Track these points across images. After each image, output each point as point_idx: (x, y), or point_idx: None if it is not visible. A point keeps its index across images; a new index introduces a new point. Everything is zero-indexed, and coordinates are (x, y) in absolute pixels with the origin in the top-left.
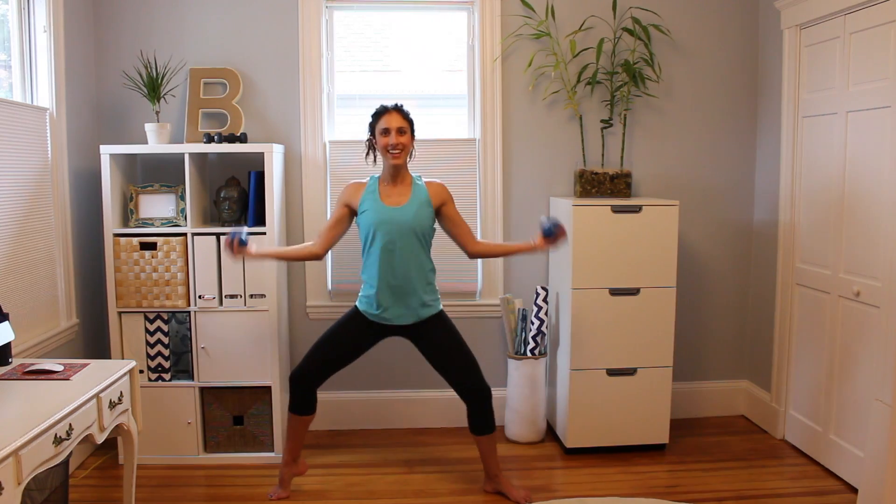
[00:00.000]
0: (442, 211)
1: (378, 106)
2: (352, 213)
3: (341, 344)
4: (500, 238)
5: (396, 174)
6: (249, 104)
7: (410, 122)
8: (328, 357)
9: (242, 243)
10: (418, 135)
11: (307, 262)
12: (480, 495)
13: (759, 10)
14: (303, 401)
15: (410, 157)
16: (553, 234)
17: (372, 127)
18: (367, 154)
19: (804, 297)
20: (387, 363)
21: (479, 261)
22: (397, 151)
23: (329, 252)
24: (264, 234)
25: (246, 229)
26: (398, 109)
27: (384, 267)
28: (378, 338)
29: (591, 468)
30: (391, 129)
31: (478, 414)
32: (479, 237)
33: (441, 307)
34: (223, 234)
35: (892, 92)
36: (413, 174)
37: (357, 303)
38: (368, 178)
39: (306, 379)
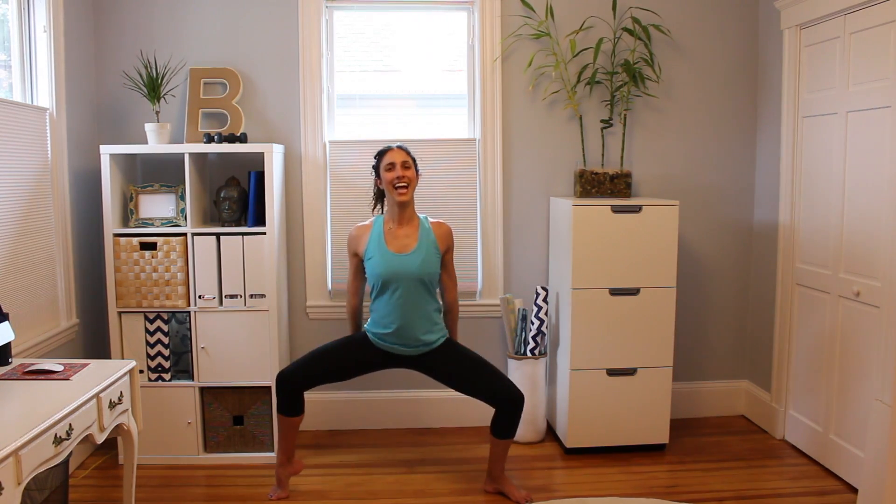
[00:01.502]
0: (443, 257)
1: (381, 147)
2: (361, 260)
3: (344, 362)
4: (499, 240)
5: (403, 214)
6: (249, 104)
7: (413, 160)
8: (326, 369)
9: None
10: (419, 136)
11: (307, 263)
12: (480, 495)
13: (759, 10)
14: (290, 402)
15: (417, 182)
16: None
17: (376, 168)
18: (375, 206)
19: (804, 297)
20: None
21: (479, 260)
22: (403, 187)
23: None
24: (264, 234)
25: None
26: (400, 147)
27: (391, 314)
28: (384, 365)
29: (591, 468)
30: (396, 163)
31: (506, 419)
32: (479, 237)
33: (446, 336)
34: (223, 233)
35: (892, 92)
36: (420, 215)
37: (366, 325)
38: (373, 220)
39: (294, 383)
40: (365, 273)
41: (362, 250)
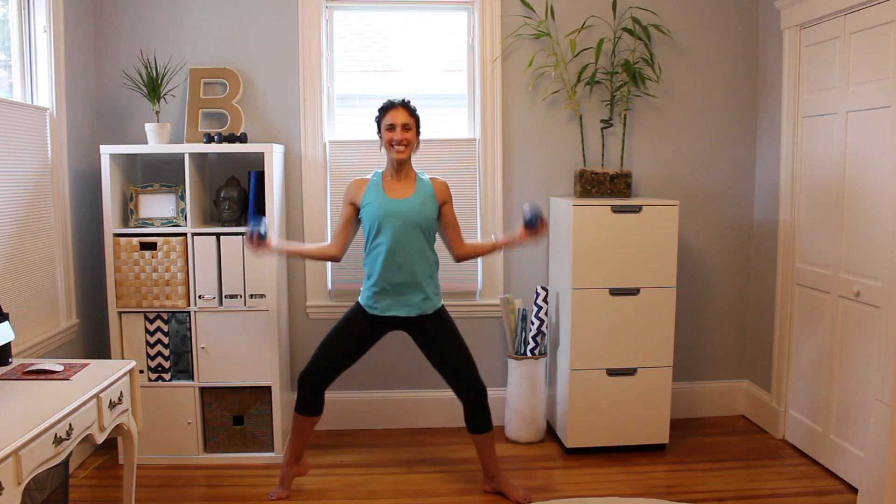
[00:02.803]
0: (441, 209)
1: (385, 101)
2: (357, 210)
3: (346, 341)
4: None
5: (400, 169)
6: (249, 104)
7: (416, 119)
8: (334, 356)
9: (262, 237)
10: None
11: (307, 263)
12: (480, 495)
13: (759, 10)
14: (311, 402)
15: (414, 151)
16: (534, 224)
17: (378, 122)
18: (382, 146)
19: (804, 297)
20: (387, 363)
21: (479, 260)
22: (402, 147)
23: (345, 253)
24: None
25: (266, 221)
26: (405, 105)
27: (388, 260)
28: (381, 332)
29: (591, 468)
30: (396, 124)
31: (474, 413)
32: (479, 237)
33: (442, 302)
34: (223, 233)
35: (892, 92)
36: (417, 170)
37: (359, 298)
38: (372, 174)
39: (315, 379)
40: (356, 226)
41: (360, 198)
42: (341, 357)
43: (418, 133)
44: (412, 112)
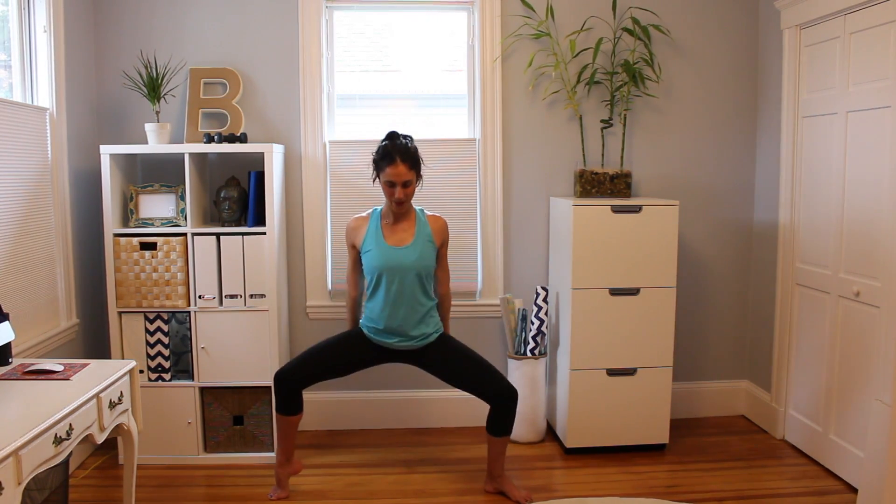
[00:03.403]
0: (438, 250)
1: (382, 146)
2: (358, 252)
3: (340, 358)
4: (499, 240)
5: (399, 211)
6: (249, 104)
7: (417, 168)
8: (323, 366)
9: None
10: (419, 135)
11: (307, 263)
12: (481, 495)
13: (759, 10)
14: (288, 401)
15: (419, 186)
16: None
17: (376, 168)
18: (375, 179)
19: (804, 297)
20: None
21: (479, 260)
22: (401, 202)
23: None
24: (264, 234)
25: None
26: (404, 158)
27: (387, 307)
28: (380, 360)
29: (591, 468)
30: (397, 183)
31: (502, 415)
32: (479, 237)
33: (441, 331)
34: (223, 233)
35: (892, 92)
36: (416, 208)
37: (361, 326)
38: (370, 212)
39: (292, 381)
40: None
41: (359, 243)
42: (328, 370)
43: (419, 177)
44: (413, 164)
